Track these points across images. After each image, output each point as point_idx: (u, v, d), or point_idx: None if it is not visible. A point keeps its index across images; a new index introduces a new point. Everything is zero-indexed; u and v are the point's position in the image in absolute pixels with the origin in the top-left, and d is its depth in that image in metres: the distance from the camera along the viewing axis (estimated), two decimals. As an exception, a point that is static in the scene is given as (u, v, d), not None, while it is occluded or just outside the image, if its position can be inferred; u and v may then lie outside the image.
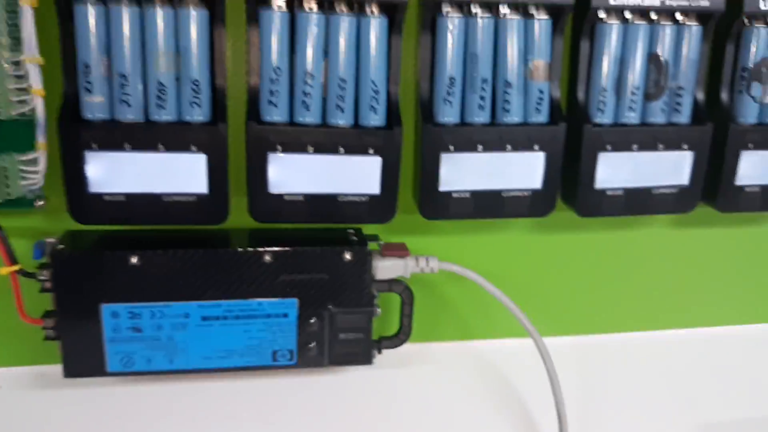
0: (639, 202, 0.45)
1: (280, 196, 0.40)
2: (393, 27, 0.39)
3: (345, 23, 0.38)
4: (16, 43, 0.35)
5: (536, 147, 0.42)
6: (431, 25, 0.40)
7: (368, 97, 0.40)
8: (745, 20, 0.43)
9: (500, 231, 0.48)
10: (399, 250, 0.44)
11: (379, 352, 0.45)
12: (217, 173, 0.39)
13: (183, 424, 0.42)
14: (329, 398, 0.45)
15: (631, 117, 0.43)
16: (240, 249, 0.40)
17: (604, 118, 0.43)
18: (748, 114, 0.45)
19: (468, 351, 0.50)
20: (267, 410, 0.44)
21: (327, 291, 0.42)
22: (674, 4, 0.41)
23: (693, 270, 0.52)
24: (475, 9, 0.40)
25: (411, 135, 0.43)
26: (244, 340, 0.42)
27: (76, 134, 0.37)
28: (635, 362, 0.51)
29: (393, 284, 0.44)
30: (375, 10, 0.38)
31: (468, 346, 0.50)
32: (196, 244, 0.40)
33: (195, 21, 0.37)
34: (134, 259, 0.39)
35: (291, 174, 0.40)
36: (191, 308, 0.41)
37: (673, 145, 0.44)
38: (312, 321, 0.42)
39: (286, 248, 0.41)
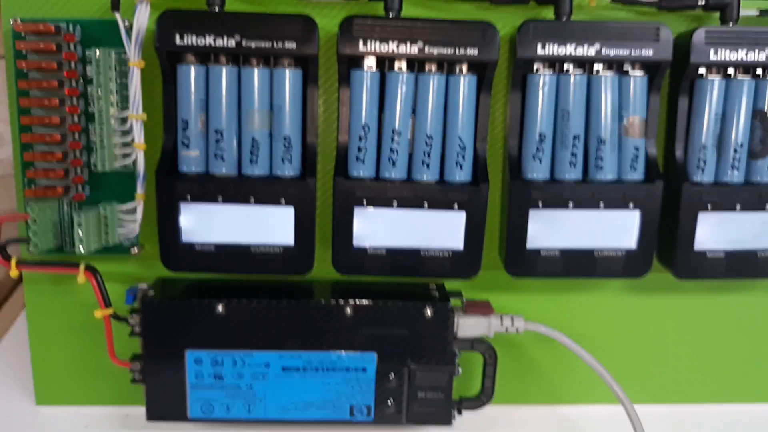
0: (742, 265, 0.45)
1: (363, 250, 0.43)
2: (482, 85, 0.42)
3: (434, 82, 0.42)
4: (123, 100, 0.40)
5: (631, 205, 0.44)
6: (522, 83, 0.43)
7: (455, 154, 0.43)
8: None
9: (591, 291, 0.49)
10: (483, 308, 0.46)
11: (459, 413, 0.47)
12: (304, 226, 0.42)
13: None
14: (406, 458, 0.47)
15: (735, 176, 0.44)
16: (322, 300, 0.44)
17: (704, 176, 0.44)
18: None
19: (554, 416, 0.51)
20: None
21: (407, 347, 0.44)
22: (782, 58, 0.42)
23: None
24: (568, 66, 0.43)
25: (497, 191, 0.46)
26: (323, 393, 0.45)
27: (172, 186, 0.42)
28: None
29: (476, 343, 0.46)
30: (464, 68, 0.42)
31: (554, 411, 0.51)
32: (279, 294, 0.44)
33: (289, 80, 0.41)
34: (220, 308, 0.43)
35: (375, 228, 0.43)
36: (272, 358, 0.44)
37: (781, 204, 0.44)
38: (391, 377, 0.45)
39: (368, 301, 0.44)
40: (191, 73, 0.41)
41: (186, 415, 0.45)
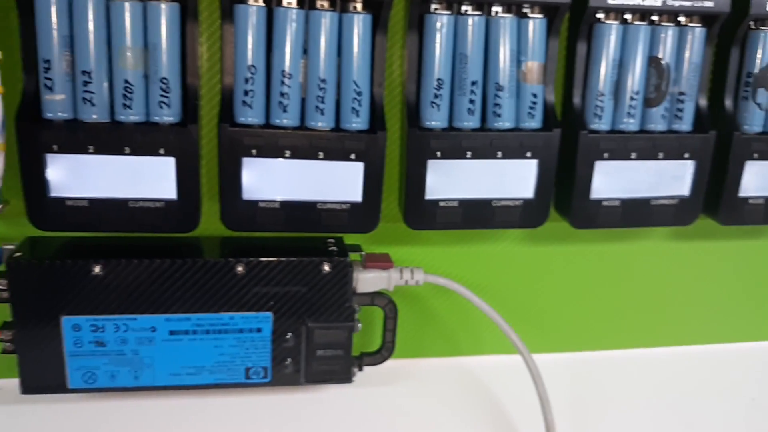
0: (637, 214, 0.45)
1: (254, 203, 0.40)
2: (378, 25, 0.39)
3: (326, 20, 0.38)
4: (-28, 36, 0.35)
5: (529, 154, 0.42)
6: (419, 24, 0.40)
7: (350, 99, 0.39)
8: (751, 23, 0.43)
9: (490, 242, 0.48)
10: (382, 262, 0.44)
11: (360, 369, 0.45)
12: (187, 178, 0.38)
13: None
14: (306, 418, 0.45)
15: (630, 124, 0.43)
16: (210, 259, 0.40)
17: (602, 124, 0.43)
18: (753, 122, 0.45)
19: (454, 368, 0.50)
20: (239, 431, 0.43)
21: (304, 304, 0.42)
22: (677, 4, 0.41)
23: (691, 285, 0.52)
24: (466, 7, 0.40)
25: (396, 140, 0.43)
26: (215, 356, 0.42)
27: (36, 135, 0.37)
28: (630, 380, 0.51)
29: (375, 297, 0.44)
30: (359, 6, 0.38)
31: (454, 362, 0.50)
32: (163, 253, 0.40)
33: (165, 15, 0.37)
34: (97, 269, 0.39)
35: (266, 179, 0.39)
36: (158, 321, 0.41)
37: (673, 153, 0.44)
38: (288, 336, 0.42)
39: (261, 259, 0.41)
40: (52, 5, 0.35)
41: (66, 385, 0.41)
